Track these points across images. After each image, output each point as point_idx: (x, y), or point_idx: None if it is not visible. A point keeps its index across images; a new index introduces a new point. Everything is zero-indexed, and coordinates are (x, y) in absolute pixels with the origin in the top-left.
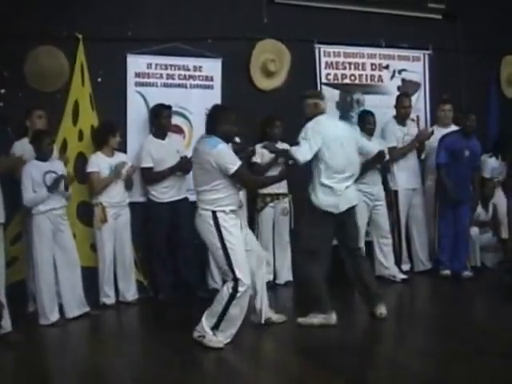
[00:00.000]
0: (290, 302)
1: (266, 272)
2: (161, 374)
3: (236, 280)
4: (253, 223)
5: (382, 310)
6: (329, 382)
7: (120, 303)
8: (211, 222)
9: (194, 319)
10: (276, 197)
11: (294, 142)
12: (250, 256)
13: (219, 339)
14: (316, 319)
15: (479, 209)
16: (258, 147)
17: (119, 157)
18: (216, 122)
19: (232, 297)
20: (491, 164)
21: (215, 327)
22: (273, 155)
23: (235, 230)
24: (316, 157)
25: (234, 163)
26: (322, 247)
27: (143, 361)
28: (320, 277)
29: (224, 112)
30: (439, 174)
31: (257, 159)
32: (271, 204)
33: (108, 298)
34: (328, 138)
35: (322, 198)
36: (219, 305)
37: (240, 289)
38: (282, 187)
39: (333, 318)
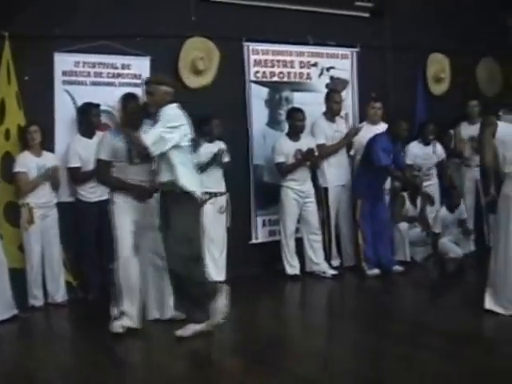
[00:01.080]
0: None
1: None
2: (91, 374)
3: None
4: None
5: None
6: (262, 379)
7: (49, 305)
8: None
9: None
10: (214, 194)
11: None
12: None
13: (120, 323)
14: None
15: (407, 204)
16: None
17: (47, 156)
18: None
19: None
20: (411, 150)
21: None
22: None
23: (124, 206)
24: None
25: (98, 153)
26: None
27: (73, 362)
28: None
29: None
30: (386, 174)
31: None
32: (211, 201)
33: (36, 299)
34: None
35: (190, 181)
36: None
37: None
38: (219, 186)
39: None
